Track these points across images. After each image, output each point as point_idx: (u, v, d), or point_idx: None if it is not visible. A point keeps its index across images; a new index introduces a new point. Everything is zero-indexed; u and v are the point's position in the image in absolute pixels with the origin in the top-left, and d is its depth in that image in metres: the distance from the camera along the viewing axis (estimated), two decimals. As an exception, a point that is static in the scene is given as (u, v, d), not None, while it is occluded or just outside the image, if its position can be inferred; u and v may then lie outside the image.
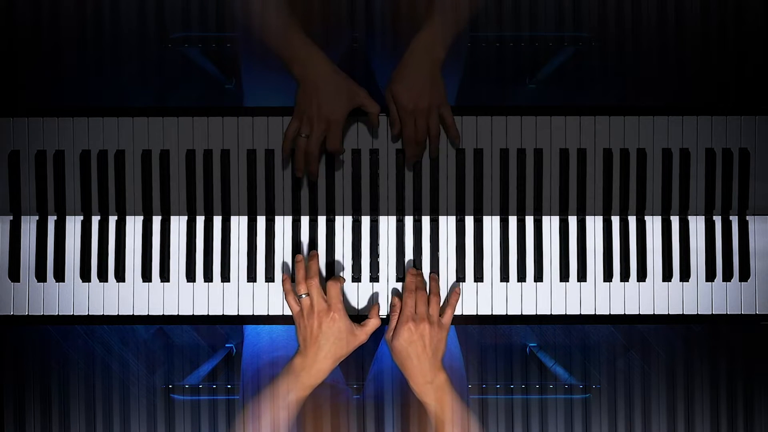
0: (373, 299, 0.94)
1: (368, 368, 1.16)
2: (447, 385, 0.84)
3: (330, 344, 0.85)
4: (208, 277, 0.93)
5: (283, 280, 0.91)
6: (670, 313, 0.93)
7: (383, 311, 0.93)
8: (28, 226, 0.93)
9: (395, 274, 0.94)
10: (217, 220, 0.94)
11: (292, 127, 0.90)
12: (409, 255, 0.94)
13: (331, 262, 0.94)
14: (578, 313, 0.93)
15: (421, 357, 0.84)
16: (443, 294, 0.93)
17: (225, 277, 0.93)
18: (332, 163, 0.94)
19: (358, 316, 0.93)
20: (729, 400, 1.56)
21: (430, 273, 0.93)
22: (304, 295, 0.87)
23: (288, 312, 0.93)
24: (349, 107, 0.89)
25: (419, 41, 0.88)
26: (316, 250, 0.94)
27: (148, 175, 0.93)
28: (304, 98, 0.88)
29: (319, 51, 0.88)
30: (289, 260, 0.94)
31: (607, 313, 0.93)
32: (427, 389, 0.84)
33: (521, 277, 0.94)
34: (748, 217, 0.94)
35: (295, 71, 0.88)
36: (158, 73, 1.58)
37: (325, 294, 0.88)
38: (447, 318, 0.89)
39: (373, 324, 0.89)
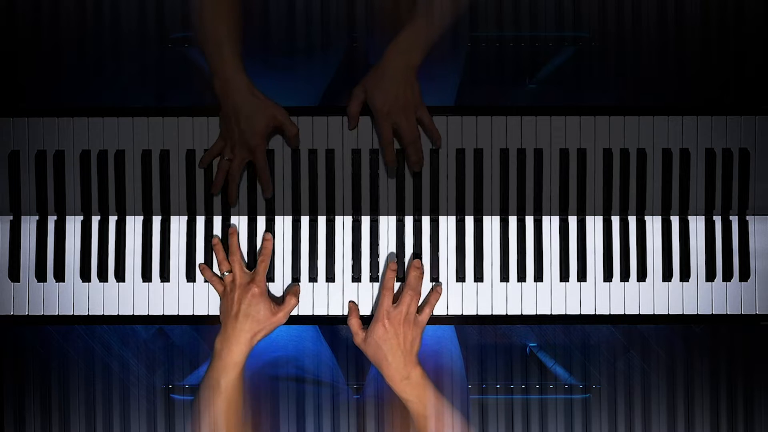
0: (373, 299, 0.94)
1: (368, 368, 1.16)
2: (424, 379, 0.84)
3: (247, 318, 0.84)
4: (208, 277, 0.93)
5: (201, 269, 0.92)
6: (670, 313, 0.93)
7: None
8: (28, 226, 0.93)
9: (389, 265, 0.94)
10: (217, 220, 0.94)
11: (217, 146, 0.91)
12: (409, 255, 0.94)
13: (331, 262, 0.94)
14: (578, 313, 0.93)
15: (395, 354, 0.84)
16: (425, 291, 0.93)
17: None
18: (332, 164, 0.94)
19: (359, 317, 0.93)
20: (729, 400, 1.56)
21: (415, 260, 0.93)
22: (227, 273, 0.88)
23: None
24: (267, 130, 0.89)
25: (396, 46, 0.88)
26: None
27: (148, 175, 0.93)
28: (224, 121, 0.89)
29: (243, 75, 0.87)
30: (289, 260, 0.94)
31: (607, 313, 0.93)
32: (404, 386, 0.84)
33: (521, 277, 0.94)
34: (748, 217, 0.94)
35: (215, 86, 0.88)
36: (158, 73, 1.58)
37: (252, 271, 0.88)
38: (424, 316, 0.89)
39: (291, 304, 0.88)
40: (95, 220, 0.93)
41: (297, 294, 0.90)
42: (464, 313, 0.93)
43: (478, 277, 0.93)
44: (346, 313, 0.93)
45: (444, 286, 0.93)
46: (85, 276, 0.93)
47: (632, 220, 0.94)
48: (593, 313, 0.93)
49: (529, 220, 0.94)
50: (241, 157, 0.89)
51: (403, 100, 0.88)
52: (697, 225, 0.94)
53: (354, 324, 0.89)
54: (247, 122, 0.87)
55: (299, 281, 0.93)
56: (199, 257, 0.93)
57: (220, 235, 0.93)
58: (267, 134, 0.89)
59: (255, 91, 0.88)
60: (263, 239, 0.92)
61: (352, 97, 0.91)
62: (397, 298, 0.90)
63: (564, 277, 0.93)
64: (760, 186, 0.94)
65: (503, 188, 0.94)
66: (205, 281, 0.93)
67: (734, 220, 0.94)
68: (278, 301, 0.90)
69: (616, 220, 0.94)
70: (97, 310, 0.93)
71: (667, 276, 0.93)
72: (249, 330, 0.84)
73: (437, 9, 0.88)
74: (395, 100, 0.88)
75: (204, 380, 0.83)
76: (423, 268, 0.92)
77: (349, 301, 0.93)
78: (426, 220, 0.94)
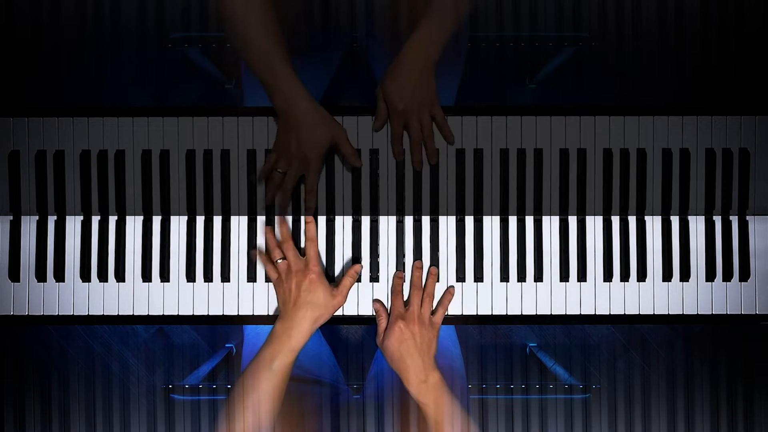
0: (373, 299, 0.93)
1: (368, 368, 1.16)
2: (442, 384, 0.85)
3: (309, 304, 0.86)
4: (208, 277, 0.93)
5: (257, 253, 0.92)
6: (670, 313, 0.93)
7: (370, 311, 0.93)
8: (28, 226, 0.93)
9: (395, 274, 0.94)
10: (217, 220, 0.94)
11: (271, 160, 0.90)
12: (409, 255, 0.94)
13: (331, 262, 0.94)
14: (578, 313, 0.93)
15: (413, 356, 0.85)
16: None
17: (225, 277, 0.93)
18: (332, 163, 0.94)
19: (358, 317, 0.93)
20: (729, 400, 1.56)
21: (430, 266, 0.93)
22: (280, 260, 0.89)
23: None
24: (327, 146, 0.89)
25: (414, 41, 0.88)
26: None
27: (148, 175, 0.93)
28: (283, 133, 0.88)
29: (301, 86, 0.86)
30: (289, 260, 0.93)
31: (607, 313, 0.93)
32: (422, 389, 0.84)
33: (521, 277, 0.94)
34: (748, 217, 0.94)
35: (276, 103, 0.87)
36: (158, 73, 1.58)
37: (303, 255, 0.89)
38: (438, 318, 0.90)
39: (347, 283, 0.90)
40: (95, 220, 0.93)
41: (353, 275, 0.91)
42: (464, 313, 0.93)
43: (478, 277, 0.93)
44: (345, 313, 0.93)
45: (444, 286, 0.93)
46: (85, 276, 0.93)
47: (632, 220, 0.94)
48: (593, 313, 0.93)
49: (529, 220, 0.94)
50: (296, 169, 0.89)
51: (419, 98, 0.88)
52: (697, 225, 0.94)
53: (382, 324, 0.90)
54: (309, 135, 0.86)
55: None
56: (199, 257, 0.93)
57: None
58: (325, 150, 0.89)
59: (316, 104, 0.87)
60: (305, 222, 0.91)
61: (377, 106, 0.91)
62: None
63: (564, 277, 0.93)
64: (760, 186, 0.94)
65: (503, 188, 0.94)
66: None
67: (734, 220, 0.94)
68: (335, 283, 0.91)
69: (616, 220, 0.94)
70: (97, 310, 0.93)
71: (667, 276, 0.93)
72: (311, 317, 0.85)
73: (453, 3, 0.88)
74: (411, 96, 0.88)
75: (255, 362, 0.84)
76: (423, 268, 0.92)
77: (376, 301, 0.93)
78: (426, 220, 0.94)
